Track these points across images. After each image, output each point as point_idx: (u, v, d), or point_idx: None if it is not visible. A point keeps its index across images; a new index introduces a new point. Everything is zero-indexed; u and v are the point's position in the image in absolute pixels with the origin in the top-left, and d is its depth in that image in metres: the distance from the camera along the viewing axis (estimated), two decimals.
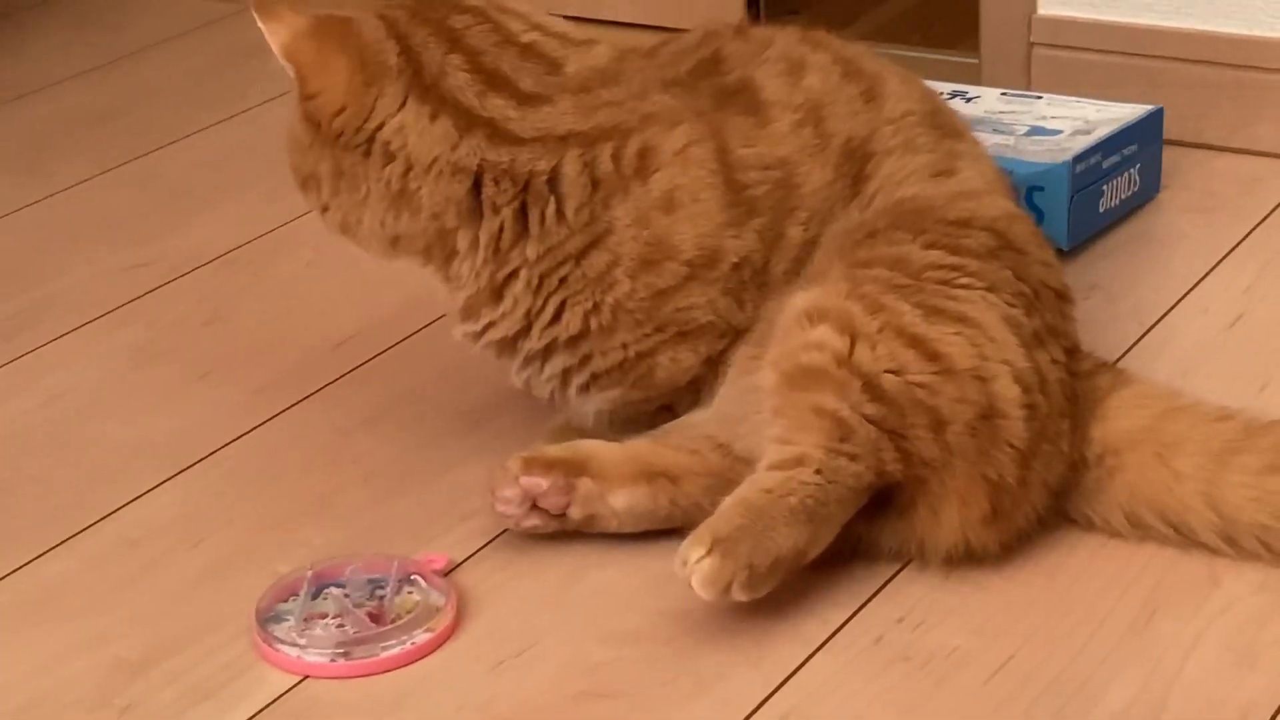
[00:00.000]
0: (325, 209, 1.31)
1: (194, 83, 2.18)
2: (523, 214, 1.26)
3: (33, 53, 2.28)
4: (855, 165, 1.33)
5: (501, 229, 1.26)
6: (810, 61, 1.35)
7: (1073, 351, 1.31)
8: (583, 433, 1.36)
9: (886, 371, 1.21)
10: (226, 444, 1.45)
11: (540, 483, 1.26)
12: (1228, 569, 1.23)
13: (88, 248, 1.79)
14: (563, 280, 1.27)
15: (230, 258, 1.76)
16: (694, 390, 1.32)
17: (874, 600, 1.23)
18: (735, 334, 1.30)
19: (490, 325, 1.31)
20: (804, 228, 1.30)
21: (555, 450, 1.29)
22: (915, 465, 1.21)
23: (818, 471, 1.19)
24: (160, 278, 1.72)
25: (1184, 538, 1.25)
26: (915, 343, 1.22)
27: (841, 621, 1.21)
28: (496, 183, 1.25)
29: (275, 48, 1.28)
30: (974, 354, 1.22)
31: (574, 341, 1.29)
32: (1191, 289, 1.60)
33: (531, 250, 1.26)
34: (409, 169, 1.25)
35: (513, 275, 1.28)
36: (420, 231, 1.28)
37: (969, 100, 1.75)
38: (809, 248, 1.30)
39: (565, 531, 1.29)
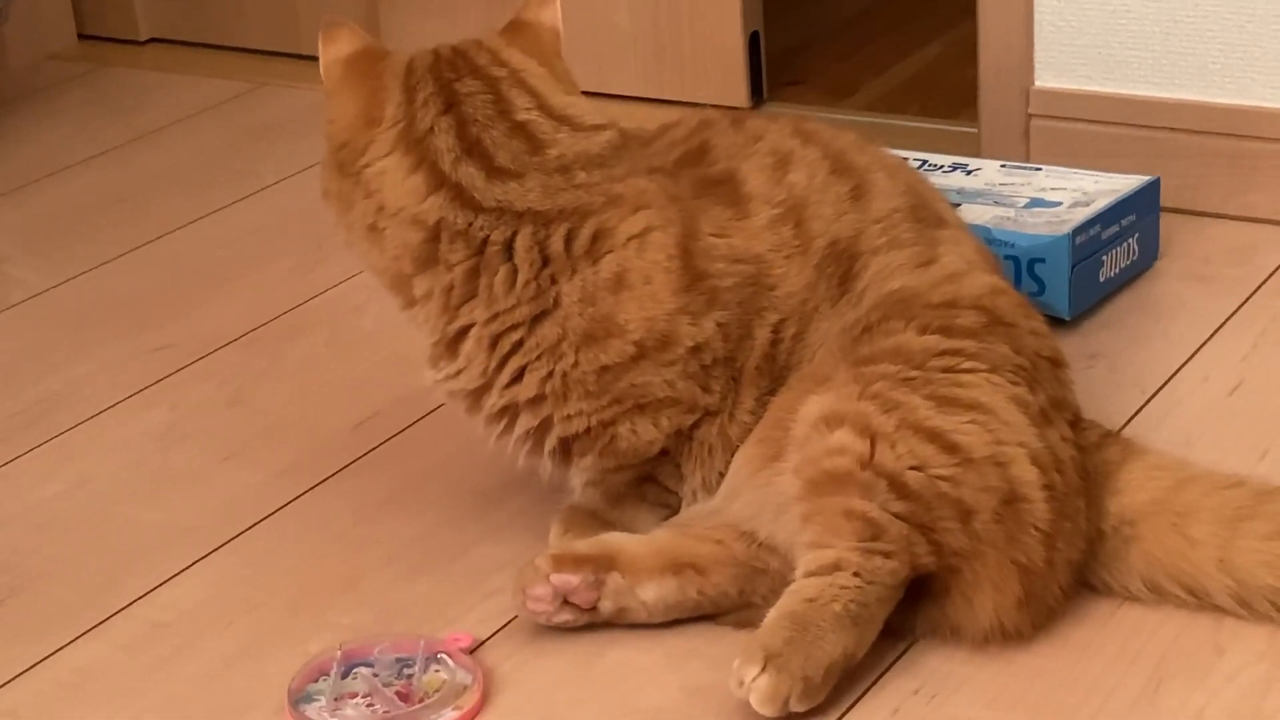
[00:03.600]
0: (337, 223, 1.37)
1: (209, 163, 2.20)
2: (474, 276, 1.31)
3: (49, 137, 2.30)
4: (842, 265, 1.35)
5: (452, 285, 1.31)
6: (798, 156, 1.37)
7: (1076, 422, 1.34)
8: (594, 516, 1.38)
9: (910, 469, 1.24)
10: (251, 526, 1.47)
11: (571, 580, 1.29)
12: (1232, 638, 1.25)
13: (109, 331, 1.81)
14: (517, 344, 1.31)
15: (250, 338, 1.78)
16: (672, 461, 1.35)
17: (890, 672, 1.25)
18: (705, 412, 1.33)
19: (451, 376, 1.35)
20: (773, 330, 1.33)
21: (583, 546, 1.31)
22: (947, 556, 1.24)
23: (855, 574, 1.21)
24: (181, 360, 1.74)
25: (1200, 601, 1.28)
26: (933, 437, 1.25)
27: (859, 694, 1.23)
28: (451, 241, 1.30)
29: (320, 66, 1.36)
30: (990, 440, 1.25)
31: (533, 404, 1.33)
32: (1191, 357, 1.62)
33: (480, 312, 1.31)
34: (380, 209, 1.32)
35: (464, 331, 1.32)
36: (385, 269, 1.35)
37: (970, 173, 1.77)
38: (788, 346, 1.33)
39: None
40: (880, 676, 1.25)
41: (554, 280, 1.30)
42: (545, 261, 1.30)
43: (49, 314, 1.86)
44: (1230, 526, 1.26)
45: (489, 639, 1.31)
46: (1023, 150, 1.93)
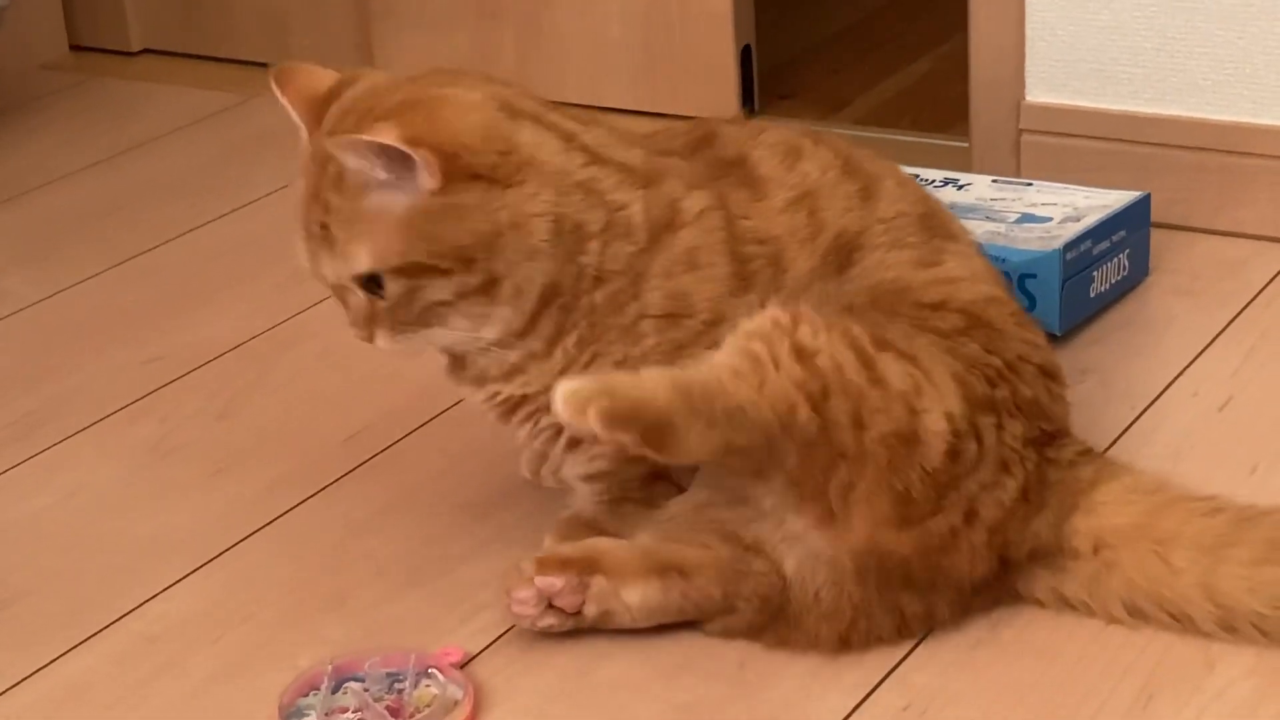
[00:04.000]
0: None
1: (200, 175, 2.20)
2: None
3: (40, 148, 2.30)
4: (842, 256, 1.37)
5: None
6: (809, 151, 1.39)
7: (1056, 435, 1.34)
8: (590, 526, 1.38)
9: (822, 354, 1.24)
10: (242, 540, 1.47)
11: (555, 582, 1.29)
12: (1222, 653, 1.26)
13: (100, 343, 1.81)
14: (601, 331, 1.31)
15: (241, 351, 1.78)
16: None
17: (880, 688, 1.26)
18: None
19: (522, 375, 1.33)
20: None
21: (568, 550, 1.32)
22: (830, 435, 1.23)
23: (733, 375, 1.22)
24: (172, 372, 1.74)
25: (1182, 625, 1.28)
26: (858, 352, 1.26)
27: (849, 710, 1.24)
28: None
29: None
30: (910, 385, 1.26)
31: None
32: (1181, 372, 1.63)
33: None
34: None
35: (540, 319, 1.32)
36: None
37: (961, 188, 1.78)
38: None
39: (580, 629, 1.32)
40: (870, 693, 1.25)
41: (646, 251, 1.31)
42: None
43: (40, 326, 1.87)
44: (1212, 553, 1.27)
45: (480, 653, 1.31)
46: (1014, 165, 1.94)
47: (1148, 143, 1.88)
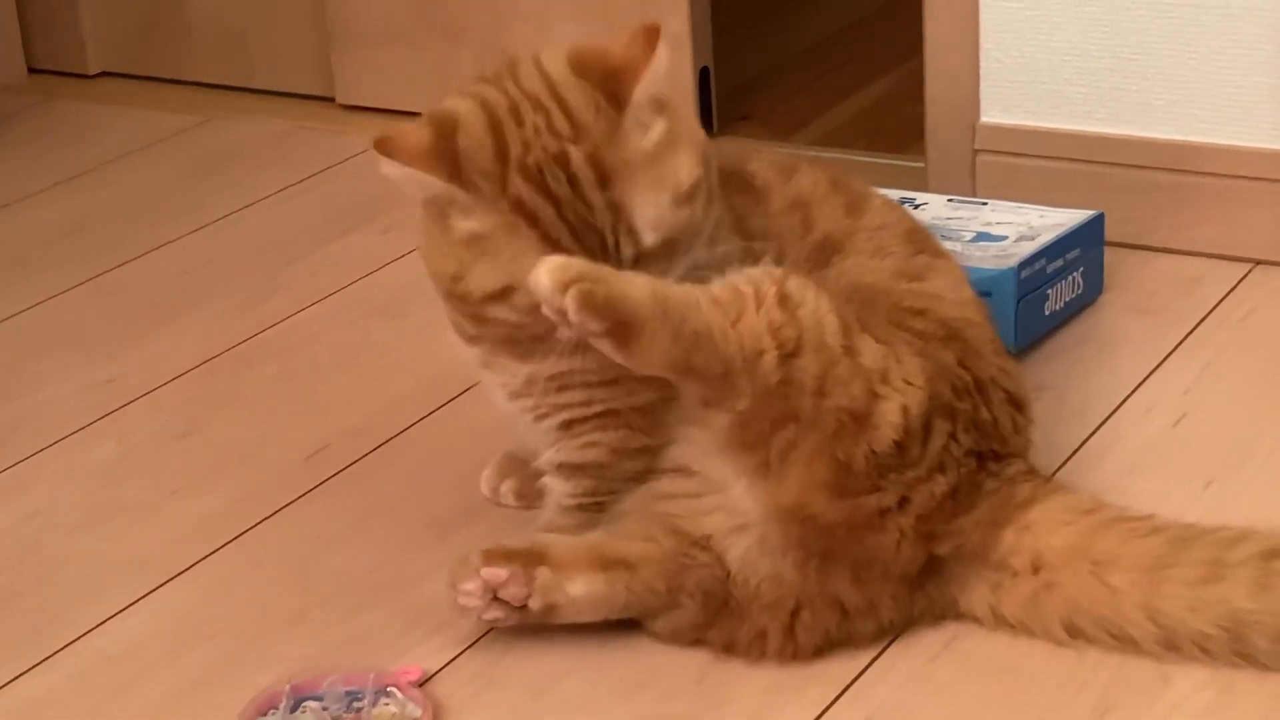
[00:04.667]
0: None
1: (159, 196, 2.20)
2: None
3: (0, 169, 2.30)
4: (824, 255, 1.40)
5: None
6: (803, 170, 1.44)
7: (1006, 457, 1.35)
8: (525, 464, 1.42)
9: (806, 307, 1.26)
10: (202, 558, 1.47)
11: (500, 573, 1.29)
12: (1178, 666, 1.27)
13: (60, 362, 1.81)
14: None
15: (201, 370, 1.78)
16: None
17: (838, 702, 1.26)
18: None
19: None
20: None
21: (514, 543, 1.33)
22: (788, 393, 1.25)
23: (701, 302, 1.24)
24: (133, 392, 1.75)
25: (1124, 646, 1.29)
26: (841, 320, 1.28)
27: None
28: None
29: None
30: (881, 368, 1.28)
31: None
32: (1135, 389, 1.64)
33: None
34: None
35: None
36: None
37: (917, 207, 1.79)
38: None
39: (530, 628, 1.32)
40: (829, 707, 1.26)
41: None
42: None
43: (0, 346, 1.86)
44: (1151, 574, 1.28)
45: (439, 671, 1.31)
46: (969, 185, 1.96)
47: (1101, 162, 1.90)
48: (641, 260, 1.28)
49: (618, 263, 1.27)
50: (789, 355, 1.25)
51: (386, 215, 2.08)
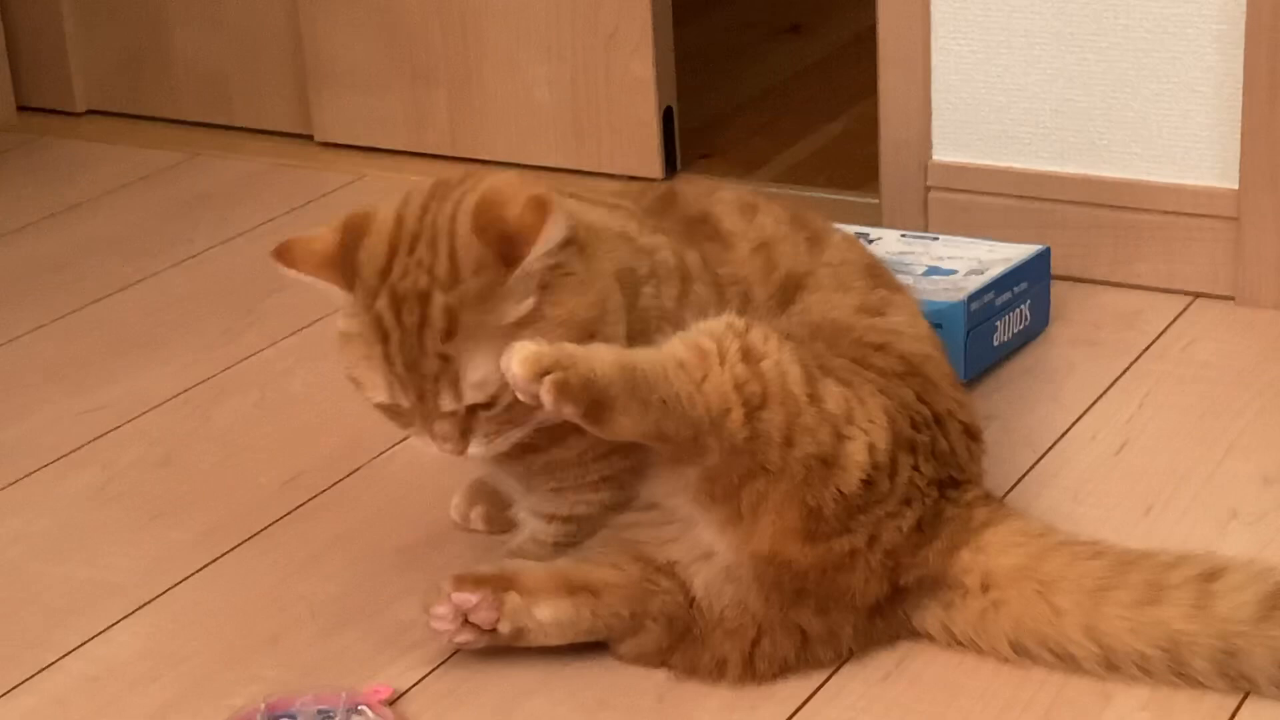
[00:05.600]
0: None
1: (143, 231, 2.21)
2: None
3: None
4: (788, 294, 1.43)
5: None
6: (763, 208, 1.46)
7: (964, 484, 1.38)
8: (494, 492, 1.45)
9: (769, 359, 1.29)
10: (179, 582, 1.49)
11: (470, 598, 1.32)
12: (1118, 687, 1.29)
13: (43, 393, 1.83)
14: None
15: (180, 400, 1.80)
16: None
17: (808, 705, 1.30)
18: None
19: None
20: None
21: (484, 569, 1.36)
22: (756, 448, 1.27)
23: (677, 365, 1.27)
24: (113, 421, 1.76)
25: (1065, 665, 1.32)
26: (804, 367, 1.30)
27: None
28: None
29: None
30: (844, 410, 1.30)
31: None
32: (1080, 417, 1.67)
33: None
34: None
35: None
36: None
37: (872, 241, 1.81)
38: None
39: (498, 649, 1.35)
40: (801, 708, 1.29)
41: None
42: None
43: None
44: (1093, 596, 1.31)
45: (408, 690, 1.34)
46: (921, 220, 1.98)
47: (1048, 199, 1.92)
48: (466, 416, 1.29)
49: (430, 411, 1.29)
50: (755, 409, 1.27)
51: None
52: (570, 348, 1.24)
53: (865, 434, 1.30)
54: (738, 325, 1.31)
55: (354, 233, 1.32)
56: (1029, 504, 1.50)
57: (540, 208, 1.27)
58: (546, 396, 1.22)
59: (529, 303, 1.28)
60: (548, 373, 1.22)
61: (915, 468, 1.33)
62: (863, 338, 1.40)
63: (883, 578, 1.32)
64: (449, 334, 1.28)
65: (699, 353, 1.28)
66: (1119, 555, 1.33)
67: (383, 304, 1.29)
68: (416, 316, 1.28)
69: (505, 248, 1.27)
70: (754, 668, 1.33)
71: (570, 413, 1.24)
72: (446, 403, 1.29)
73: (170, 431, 1.75)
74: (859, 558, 1.31)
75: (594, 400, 1.24)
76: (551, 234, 1.26)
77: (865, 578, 1.32)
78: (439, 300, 1.27)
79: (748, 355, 1.29)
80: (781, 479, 1.28)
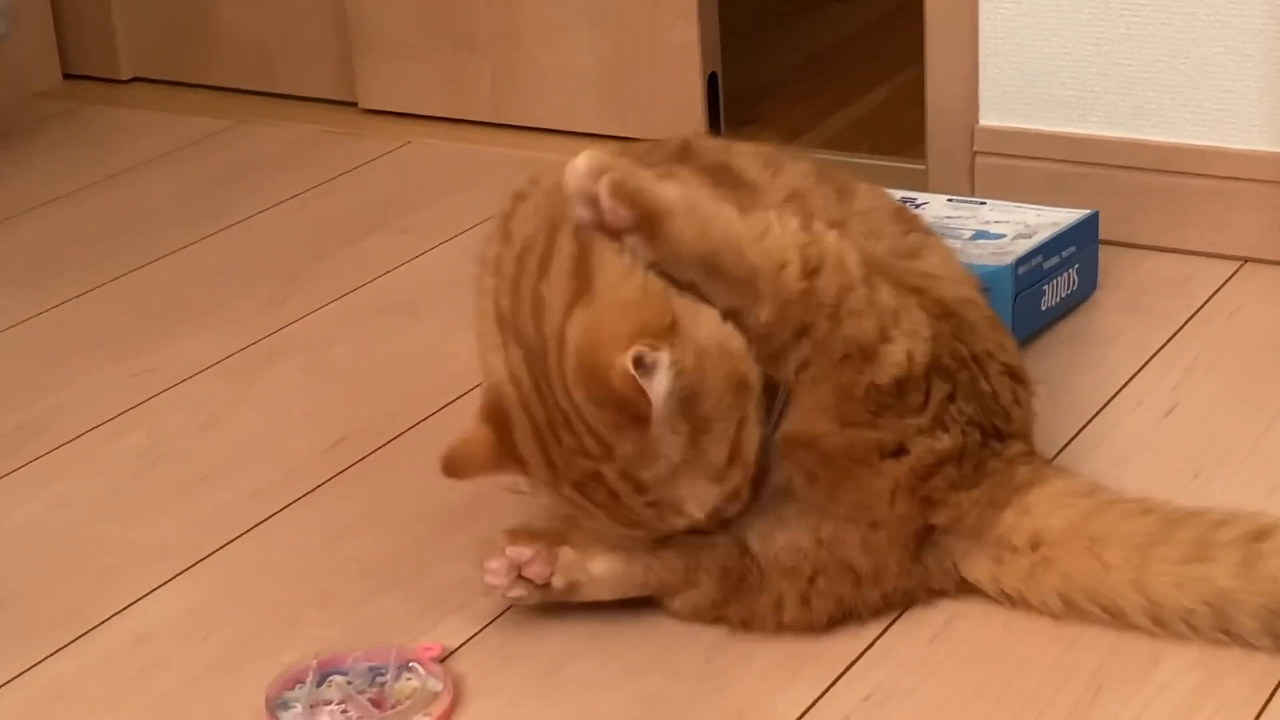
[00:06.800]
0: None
1: (187, 198, 2.23)
2: None
3: (33, 172, 2.33)
4: None
5: None
6: (787, 162, 1.46)
7: (1008, 436, 1.38)
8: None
9: (828, 238, 1.30)
10: (227, 543, 1.50)
11: (525, 552, 1.33)
12: (1167, 648, 1.30)
13: (89, 358, 1.84)
14: None
15: (225, 365, 1.81)
16: None
17: (841, 680, 1.30)
18: None
19: None
20: None
21: (539, 525, 1.36)
22: (808, 305, 1.28)
23: (728, 214, 1.27)
24: (158, 386, 1.77)
25: (1114, 619, 1.32)
26: (862, 259, 1.31)
27: (811, 701, 1.28)
28: None
29: None
30: (894, 308, 1.31)
31: None
32: (1127, 383, 1.67)
33: None
34: None
35: None
36: None
37: (918, 206, 1.81)
38: None
39: (545, 609, 1.35)
40: (831, 685, 1.29)
41: None
42: None
43: (31, 341, 1.90)
44: (1142, 552, 1.31)
45: (458, 649, 1.35)
46: (968, 186, 1.98)
47: (1095, 164, 1.92)
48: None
49: (675, 529, 1.30)
50: (812, 271, 1.28)
51: (405, 217, 2.12)
52: (638, 169, 1.25)
53: (908, 340, 1.31)
54: (800, 211, 1.33)
55: (499, 424, 1.30)
56: (1076, 468, 1.49)
57: (641, 367, 1.23)
58: (604, 193, 1.22)
59: (682, 434, 1.26)
60: (606, 172, 1.23)
61: (951, 398, 1.33)
62: (901, 279, 1.39)
63: (910, 501, 1.32)
64: (640, 489, 1.28)
65: (761, 220, 1.29)
66: (1168, 513, 1.34)
67: (570, 491, 1.30)
68: (604, 494, 1.29)
69: (630, 412, 1.24)
70: (810, 606, 1.33)
71: (625, 217, 1.23)
72: (681, 524, 1.30)
73: (215, 396, 1.76)
74: (886, 463, 1.31)
75: (650, 211, 1.24)
76: (660, 387, 1.22)
77: (893, 489, 1.32)
78: (611, 474, 1.27)
79: (809, 228, 1.31)
80: (823, 353, 1.29)
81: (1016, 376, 1.41)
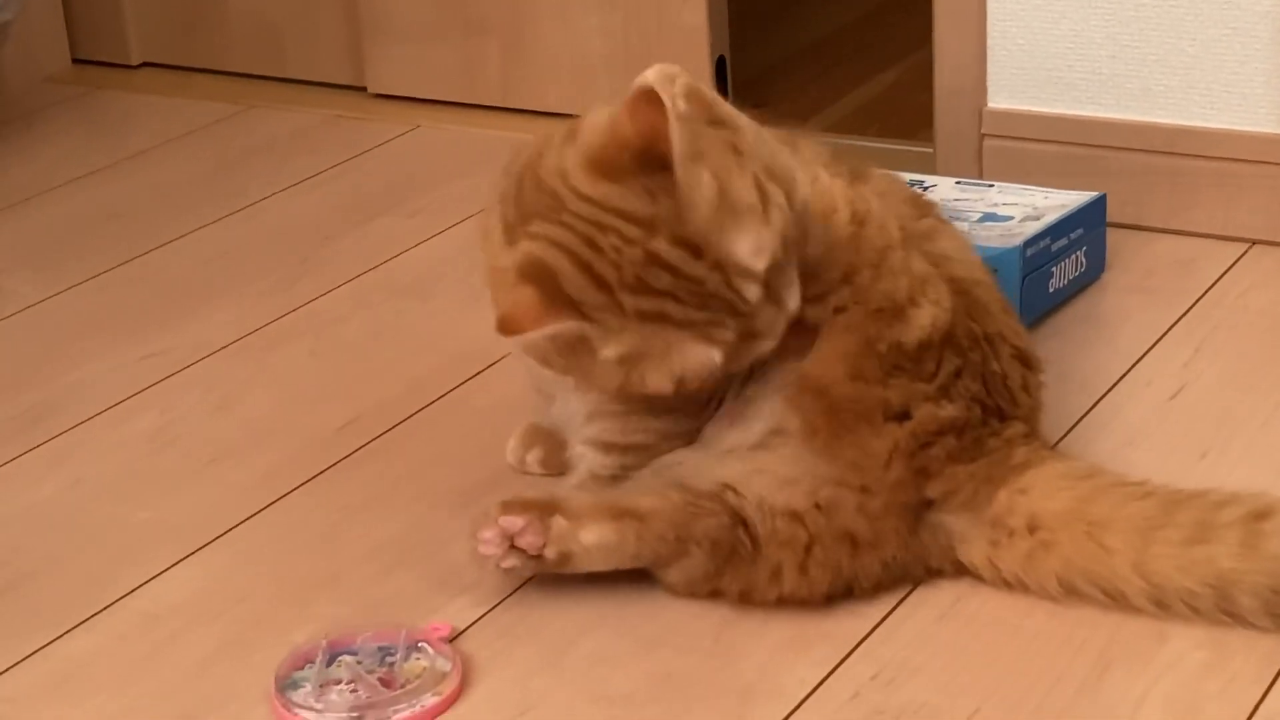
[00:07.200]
0: None
1: (197, 182, 2.23)
2: None
3: (44, 156, 2.33)
4: None
5: None
6: (802, 142, 1.46)
7: (1010, 419, 1.38)
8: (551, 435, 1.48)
9: (869, 199, 1.34)
10: (237, 524, 1.51)
11: (517, 522, 1.33)
12: (1174, 626, 1.30)
13: (101, 340, 1.84)
14: None
15: (236, 347, 1.81)
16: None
17: (849, 659, 1.30)
18: None
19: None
20: None
21: (531, 494, 1.37)
22: (858, 249, 1.32)
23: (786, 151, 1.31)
24: (169, 368, 1.78)
25: (1115, 603, 1.32)
26: (901, 224, 1.35)
27: (819, 679, 1.28)
28: None
29: None
30: (923, 275, 1.34)
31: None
32: (1135, 364, 1.67)
33: None
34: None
35: None
36: None
37: (926, 189, 1.82)
38: None
39: (555, 588, 1.36)
40: (840, 664, 1.30)
41: None
42: None
43: (43, 324, 1.90)
44: (1143, 535, 1.31)
45: (467, 629, 1.35)
46: (976, 168, 1.98)
47: (1103, 146, 1.92)
48: (769, 287, 1.28)
49: (750, 308, 1.28)
50: (860, 221, 1.32)
51: (414, 200, 2.12)
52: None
53: (934, 307, 1.34)
54: (843, 175, 1.37)
55: (543, 278, 1.29)
56: (1084, 449, 1.51)
57: (650, 106, 1.25)
58: (680, 95, 1.24)
59: (707, 177, 1.27)
60: (678, 77, 1.25)
61: (959, 373, 1.35)
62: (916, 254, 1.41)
63: (907, 466, 1.33)
64: (696, 251, 1.27)
65: (808, 168, 1.33)
66: (1168, 495, 1.34)
67: (631, 301, 1.28)
68: (666, 277, 1.27)
69: (651, 160, 1.26)
70: (808, 574, 1.34)
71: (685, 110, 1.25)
72: (750, 288, 1.28)
73: (226, 378, 1.76)
74: (889, 425, 1.32)
75: (721, 118, 1.27)
76: (676, 119, 1.24)
77: (890, 451, 1.32)
78: (662, 246, 1.27)
79: (855, 181, 1.35)
80: (861, 299, 1.32)
81: (1027, 362, 1.42)
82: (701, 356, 1.29)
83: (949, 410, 1.34)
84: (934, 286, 1.36)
